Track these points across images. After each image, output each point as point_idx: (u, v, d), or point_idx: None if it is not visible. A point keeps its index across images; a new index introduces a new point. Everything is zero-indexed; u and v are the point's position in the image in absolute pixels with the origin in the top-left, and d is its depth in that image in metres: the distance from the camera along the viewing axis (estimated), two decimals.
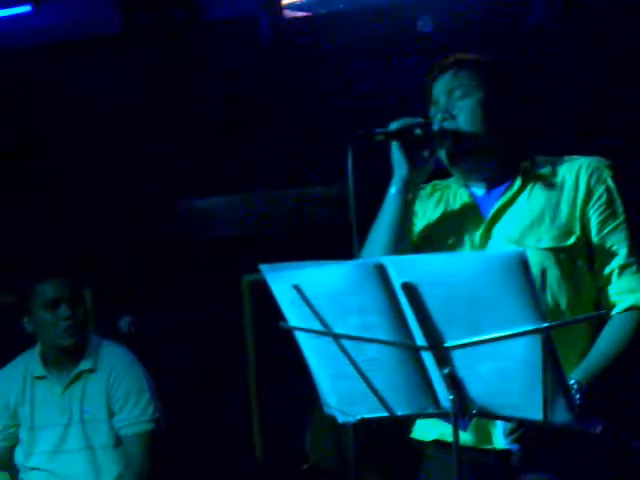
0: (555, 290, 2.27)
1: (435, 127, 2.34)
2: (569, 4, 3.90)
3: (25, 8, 4.37)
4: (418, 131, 2.33)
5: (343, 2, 3.99)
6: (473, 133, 2.35)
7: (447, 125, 2.35)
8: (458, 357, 1.87)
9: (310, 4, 4.02)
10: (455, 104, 2.37)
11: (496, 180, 2.40)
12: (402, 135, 2.33)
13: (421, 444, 2.39)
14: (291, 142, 4.28)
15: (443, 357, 1.88)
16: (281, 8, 4.00)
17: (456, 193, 2.45)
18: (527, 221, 2.32)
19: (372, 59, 4.00)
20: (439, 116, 2.37)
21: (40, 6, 4.34)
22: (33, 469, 3.59)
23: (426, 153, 2.35)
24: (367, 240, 2.36)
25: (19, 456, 3.62)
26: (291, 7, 4.02)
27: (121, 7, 4.26)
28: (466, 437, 2.23)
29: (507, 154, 2.39)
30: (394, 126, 2.32)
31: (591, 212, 2.30)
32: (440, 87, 2.40)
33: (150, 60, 4.31)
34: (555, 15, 3.91)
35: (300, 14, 4.02)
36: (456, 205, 2.43)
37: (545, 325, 1.79)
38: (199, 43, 4.24)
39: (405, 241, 2.35)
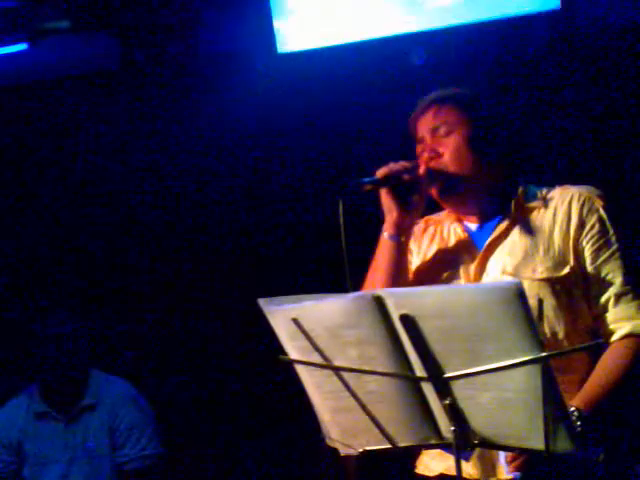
0: (552, 320, 2.28)
1: (422, 169, 2.37)
2: (567, 33, 3.93)
3: (21, 46, 4.39)
4: (405, 176, 2.35)
5: (337, 36, 4.02)
6: (460, 170, 2.37)
7: (434, 164, 2.37)
8: (458, 388, 1.88)
9: (304, 38, 4.05)
10: (440, 141, 2.39)
11: (488, 213, 2.42)
12: (390, 182, 2.35)
13: (427, 479, 2.40)
14: (285, 177, 4.31)
15: (443, 388, 1.89)
16: (275, 43, 4.03)
17: (449, 228, 2.47)
18: (521, 253, 2.34)
19: (366, 93, 4.03)
20: (425, 155, 2.40)
21: (36, 44, 4.37)
22: None
23: (416, 196, 2.38)
24: (365, 285, 2.38)
25: None
26: (285, 41, 4.05)
27: (118, 43, 4.29)
28: (471, 470, 2.24)
29: (497, 186, 2.41)
30: (381, 173, 2.34)
31: (584, 242, 2.32)
32: (424, 126, 2.43)
33: (147, 96, 4.34)
34: (553, 45, 3.94)
35: (294, 48, 4.06)
36: (450, 240, 2.45)
37: (543, 355, 1.80)
38: (196, 78, 4.28)
39: (401, 282, 2.38)
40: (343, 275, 2.23)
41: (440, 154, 2.39)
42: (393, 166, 2.35)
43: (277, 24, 4.05)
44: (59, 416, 3.60)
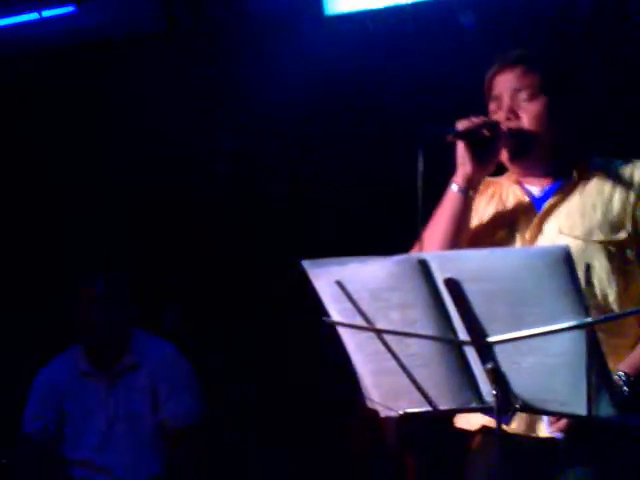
0: (604, 283, 2.27)
1: (503, 127, 2.33)
2: None
3: (68, 8, 4.41)
4: (486, 131, 2.32)
5: None
6: (537, 135, 2.35)
7: (513, 125, 2.35)
8: (501, 352, 1.87)
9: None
10: (520, 105, 2.36)
11: (551, 177, 2.41)
12: (470, 135, 2.32)
13: (467, 433, 2.41)
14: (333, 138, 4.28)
15: (486, 352, 1.88)
16: (323, 4, 4.00)
17: (509, 190, 2.46)
18: (579, 215, 2.32)
19: (414, 54, 3.99)
20: (502, 115, 2.37)
21: (83, 6, 4.38)
22: (79, 462, 3.63)
23: (491, 152, 2.35)
24: (425, 236, 2.35)
25: (66, 450, 3.67)
26: (333, 3, 4.02)
27: (164, 6, 4.29)
28: (513, 425, 2.22)
29: (566, 154, 2.39)
30: (463, 126, 2.31)
31: None
32: (504, 84, 2.39)
33: (193, 58, 4.33)
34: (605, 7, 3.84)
35: (342, 10, 4.03)
36: (509, 202, 2.44)
37: (588, 321, 1.78)
38: (243, 40, 4.26)
39: (462, 237, 2.36)
40: (416, 225, 2.21)
41: (517, 117, 2.36)
42: (475, 120, 2.32)
43: None
44: (102, 375, 3.64)
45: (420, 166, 2.17)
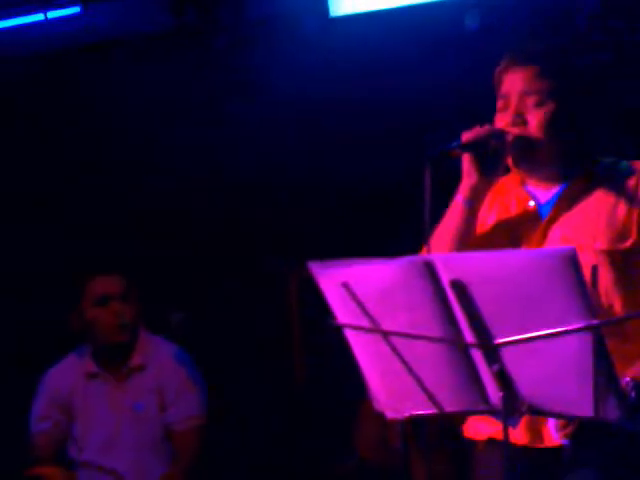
0: (609, 292, 2.25)
1: (509, 136, 2.29)
2: None
3: (74, 9, 4.41)
4: (493, 142, 2.29)
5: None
6: (543, 141, 2.31)
7: (519, 131, 2.31)
8: (507, 354, 1.87)
9: (357, 1, 4.01)
10: (528, 109, 2.32)
11: (556, 180, 2.37)
12: (475, 147, 2.29)
13: (473, 442, 2.39)
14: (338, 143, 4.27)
15: (492, 354, 1.89)
16: (327, 6, 4.00)
17: (512, 193, 2.42)
18: (584, 222, 2.30)
19: (419, 57, 3.98)
20: (508, 118, 2.33)
21: (89, 7, 4.38)
22: (85, 463, 3.63)
23: (497, 162, 2.32)
24: (432, 244, 2.33)
25: (72, 451, 3.67)
26: (338, 4, 4.02)
27: (169, 6, 4.28)
28: (519, 436, 2.23)
29: (572, 158, 2.36)
30: (467, 138, 2.28)
31: None
32: (514, 84, 2.35)
33: (197, 60, 4.33)
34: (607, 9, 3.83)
35: (347, 11, 4.02)
36: (512, 206, 2.40)
37: (595, 323, 1.78)
38: (247, 42, 4.26)
39: (466, 246, 2.33)
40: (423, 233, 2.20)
41: (524, 121, 2.32)
42: (480, 131, 2.29)
43: None
44: (108, 376, 3.65)
45: (427, 184, 2.16)
